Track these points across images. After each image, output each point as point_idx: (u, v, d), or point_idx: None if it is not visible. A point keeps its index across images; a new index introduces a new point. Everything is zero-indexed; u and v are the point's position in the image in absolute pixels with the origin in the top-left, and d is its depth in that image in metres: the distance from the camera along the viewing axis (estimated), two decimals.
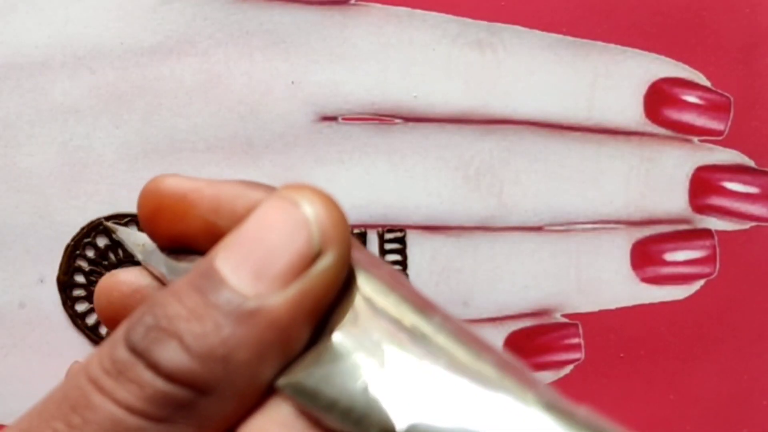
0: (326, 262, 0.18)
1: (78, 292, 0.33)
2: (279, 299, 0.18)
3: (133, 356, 0.18)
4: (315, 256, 0.18)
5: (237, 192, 0.21)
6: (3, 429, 0.33)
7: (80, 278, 0.33)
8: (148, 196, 0.22)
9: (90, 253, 0.33)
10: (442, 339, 0.18)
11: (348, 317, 0.18)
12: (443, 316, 0.18)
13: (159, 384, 0.18)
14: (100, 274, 0.33)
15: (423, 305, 0.19)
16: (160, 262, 0.23)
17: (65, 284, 0.33)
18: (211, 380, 0.18)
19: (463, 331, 0.18)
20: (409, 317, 0.18)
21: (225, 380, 0.18)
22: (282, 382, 0.18)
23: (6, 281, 0.33)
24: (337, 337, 0.18)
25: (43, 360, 0.33)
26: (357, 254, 0.19)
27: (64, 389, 0.19)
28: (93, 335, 0.33)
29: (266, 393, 0.18)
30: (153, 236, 0.23)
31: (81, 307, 0.33)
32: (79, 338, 0.33)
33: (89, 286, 0.33)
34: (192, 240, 0.22)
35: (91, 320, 0.33)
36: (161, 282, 0.24)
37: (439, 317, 0.18)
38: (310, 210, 0.18)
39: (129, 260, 0.34)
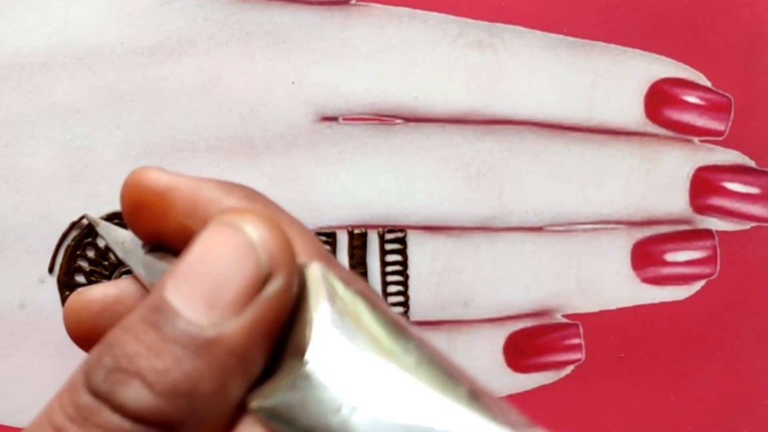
0: (277, 284, 0.18)
1: None
2: (234, 326, 0.18)
3: (97, 400, 0.18)
4: (265, 280, 0.18)
5: (213, 196, 0.20)
6: (4, 430, 0.33)
7: (80, 278, 0.33)
8: (129, 190, 0.22)
9: (90, 253, 0.33)
10: (417, 366, 0.17)
11: (319, 337, 0.18)
12: (419, 341, 0.18)
13: (126, 426, 0.17)
14: (101, 274, 0.33)
15: (398, 327, 0.18)
16: (138, 262, 0.22)
17: (65, 284, 0.33)
18: (178, 416, 0.17)
19: (439, 357, 0.18)
20: (384, 341, 0.18)
21: (192, 413, 0.17)
22: (255, 405, 0.18)
23: (6, 281, 0.33)
24: (311, 360, 0.18)
25: (43, 360, 0.33)
26: (331, 269, 0.19)
27: None
28: None
29: (235, 415, 0.18)
30: (136, 232, 0.22)
31: None
32: None
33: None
34: (169, 241, 0.21)
35: None
36: (140, 282, 0.23)
37: (414, 342, 0.18)
38: (255, 234, 0.18)
39: None
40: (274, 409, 0.18)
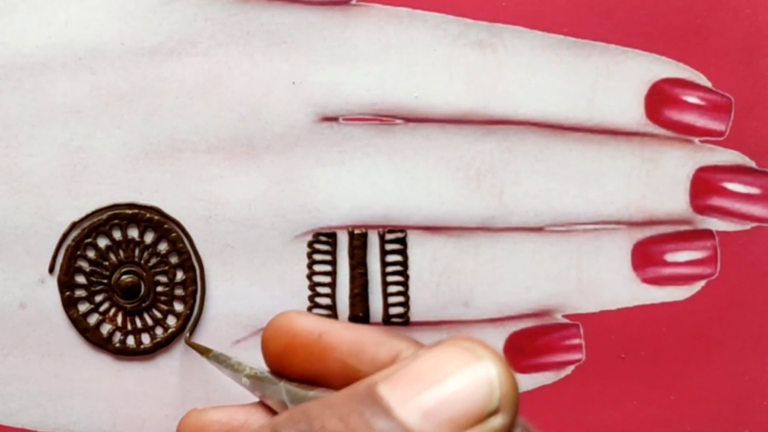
0: (500, 421, 0.18)
1: (79, 293, 0.33)
2: None
3: None
4: (490, 413, 0.18)
5: (380, 339, 0.21)
6: (4, 430, 0.33)
7: (81, 278, 0.33)
8: (278, 332, 0.23)
9: (90, 254, 0.33)
10: None
11: None
12: None
13: None
14: (101, 275, 0.33)
15: None
16: (279, 390, 0.23)
17: (65, 284, 0.33)
18: None
19: None
20: None
21: None
22: None
23: (6, 281, 0.33)
24: None
25: (43, 360, 0.33)
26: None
27: None
28: (93, 336, 0.33)
29: None
30: (279, 370, 0.23)
31: (82, 308, 0.33)
32: (79, 339, 0.33)
33: (90, 286, 0.33)
34: (325, 380, 0.22)
35: (91, 320, 0.33)
36: (272, 411, 0.23)
37: None
38: (495, 369, 0.19)
39: (130, 261, 0.34)
40: None
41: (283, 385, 0.23)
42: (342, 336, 0.22)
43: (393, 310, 0.34)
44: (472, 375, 0.19)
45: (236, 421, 0.24)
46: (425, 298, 0.34)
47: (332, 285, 0.34)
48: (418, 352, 0.19)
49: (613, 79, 0.35)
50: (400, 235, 0.34)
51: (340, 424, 0.18)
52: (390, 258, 0.34)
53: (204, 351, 0.31)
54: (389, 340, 0.21)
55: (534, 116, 0.34)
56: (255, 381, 0.24)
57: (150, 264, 0.34)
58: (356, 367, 0.21)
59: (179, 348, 0.34)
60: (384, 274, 0.34)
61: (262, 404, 0.24)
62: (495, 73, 0.34)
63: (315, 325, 0.22)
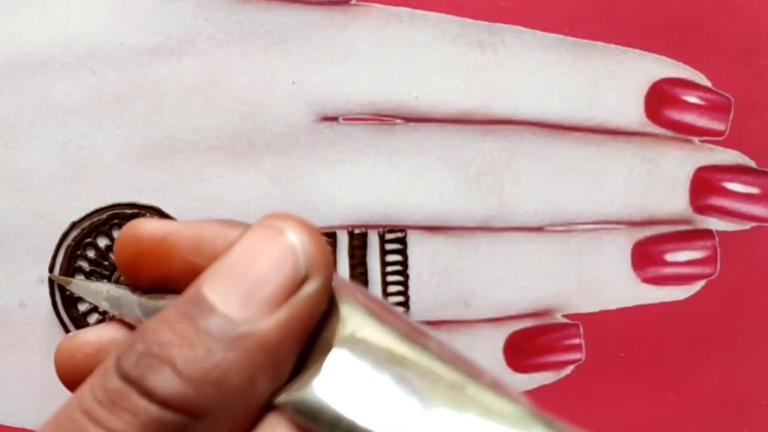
0: (313, 286, 0.19)
1: None
2: (269, 323, 0.18)
3: (126, 384, 0.18)
4: (302, 281, 0.19)
5: (216, 231, 0.21)
6: (4, 430, 0.33)
7: (80, 278, 0.33)
8: (126, 242, 0.23)
9: (90, 253, 0.33)
10: (438, 365, 0.18)
11: (341, 339, 0.19)
12: (438, 343, 0.19)
13: (153, 411, 0.18)
14: (101, 275, 0.33)
15: (416, 331, 0.19)
16: (133, 305, 0.23)
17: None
18: (205, 404, 0.18)
19: (459, 358, 0.18)
20: (404, 342, 0.18)
21: (218, 404, 0.18)
22: (282, 399, 0.18)
23: (6, 281, 0.33)
24: (335, 357, 0.18)
25: (43, 360, 0.33)
26: (343, 282, 0.20)
27: (57, 421, 0.19)
28: None
29: (261, 413, 0.19)
30: (134, 281, 0.23)
31: (81, 308, 0.33)
32: None
33: None
34: (174, 281, 0.22)
35: (91, 320, 0.33)
36: (132, 327, 0.24)
37: (434, 343, 0.19)
38: (296, 237, 0.19)
39: None
40: (301, 403, 0.18)
41: (136, 299, 0.23)
42: (183, 234, 0.22)
43: None
44: (276, 250, 0.19)
45: (104, 338, 0.24)
46: (425, 297, 0.34)
47: None
48: (233, 243, 0.20)
49: (613, 79, 0.35)
50: (400, 234, 0.34)
51: (170, 333, 0.18)
52: (390, 258, 0.34)
53: (67, 282, 0.30)
54: (225, 230, 0.21)
55: (534, 116, 0.34)
56: (113, 301, 0.24)
57: None
58: (198, 263, 0.21)
59: None
60: (384, 274, 0.34)
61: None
62: (495, 73, 0.34)
63: (160, 227, 0.22)
